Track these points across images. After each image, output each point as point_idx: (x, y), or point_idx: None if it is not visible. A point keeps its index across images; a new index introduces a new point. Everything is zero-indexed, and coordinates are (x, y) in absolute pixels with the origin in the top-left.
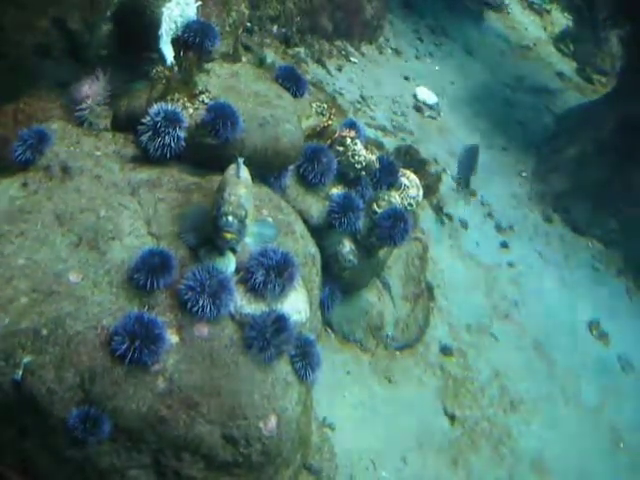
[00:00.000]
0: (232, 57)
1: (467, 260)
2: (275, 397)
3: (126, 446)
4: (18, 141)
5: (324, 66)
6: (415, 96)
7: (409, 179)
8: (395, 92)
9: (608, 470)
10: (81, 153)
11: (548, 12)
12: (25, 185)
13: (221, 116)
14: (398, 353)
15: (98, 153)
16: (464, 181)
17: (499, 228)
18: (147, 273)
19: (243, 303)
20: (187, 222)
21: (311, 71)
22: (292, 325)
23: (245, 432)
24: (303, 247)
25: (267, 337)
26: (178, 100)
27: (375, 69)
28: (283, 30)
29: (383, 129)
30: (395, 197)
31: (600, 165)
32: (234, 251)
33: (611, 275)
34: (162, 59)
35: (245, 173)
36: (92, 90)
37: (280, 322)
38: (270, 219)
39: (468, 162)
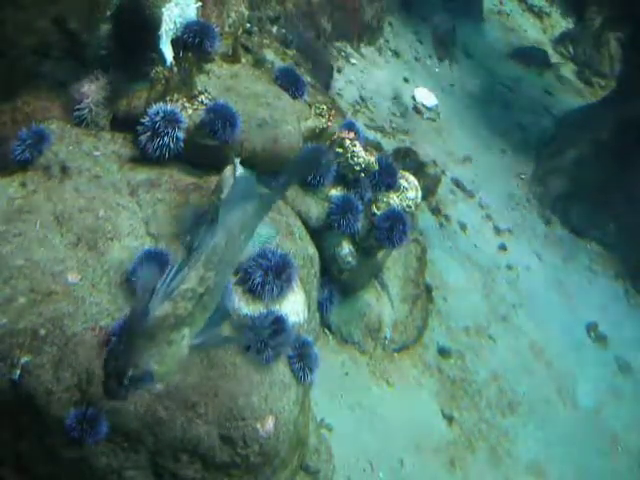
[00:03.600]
0: (231, 58)
1: (465, 262)
2: (273, 398)
3: (123, 447)
4: (17, 141)
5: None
6: (414, 98)
7: (408, 181)
8: (394, 94)
9: (606, 472)
10: (80, 153)
11: (548, 15)
12: (24, 185)
13: (220, 117)
14: (396, 355)
15: (97, 153)
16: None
17: (498, 230)
18: None
19: (241, 304)
20: (186, 223)
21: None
22: (290, 326)
23: (242, 433)
24: (302, 248)
25: (265, 338)
26: (177, 100)
27: (374, 70)
28: (283, 31)
29: (382, 130)
30: (394, 199)
31: (599, 167)
32: None
33: (609, 277)
34: (162, 59)
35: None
36: (91, 90)
37: (278, 323)
38: (269, 220)
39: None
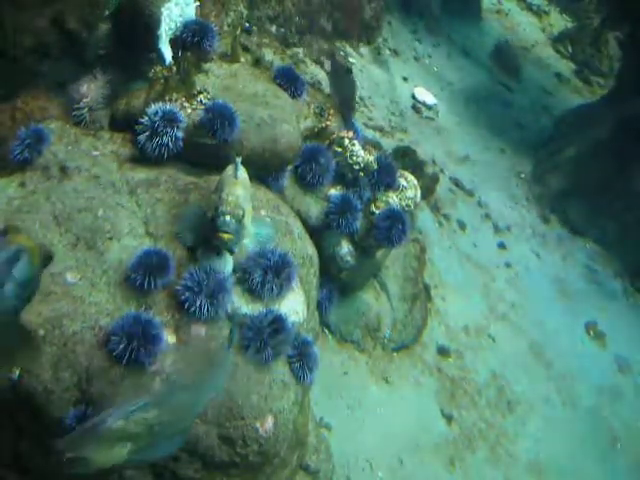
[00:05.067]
0: (230, 57)
1: (465, 261)
2: (272, 398)
3: None
4: (16, 140)
5: (322, 67)
6: (413, 97)
7: (407, 180)
8: (393, 93)
9: (605, 471)
10: (79, 153)
11: (547, 13)
12: (23, 185)
13: (219, 116)
14: (395, 354)
15: (96, 153)
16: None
17: (497, 229)
18: (145, 273)
19: (241, 304)
20: (185, 222)
21: (309, 72)
22: (289, 326)
23: (242, 432)
24: (301, 248)
25: (264, 338)
26: (176, 100)
27: (373, 70)
28: (282, 30)
29: (381, 130)
30: (393, 198)
31: (598, 167)
32: (232, 251)
33: (608, 276)
34: (161, 59)
35: (243, 173)
36: (90, 90)
37: (277, 323)
38: (268, 219)
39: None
